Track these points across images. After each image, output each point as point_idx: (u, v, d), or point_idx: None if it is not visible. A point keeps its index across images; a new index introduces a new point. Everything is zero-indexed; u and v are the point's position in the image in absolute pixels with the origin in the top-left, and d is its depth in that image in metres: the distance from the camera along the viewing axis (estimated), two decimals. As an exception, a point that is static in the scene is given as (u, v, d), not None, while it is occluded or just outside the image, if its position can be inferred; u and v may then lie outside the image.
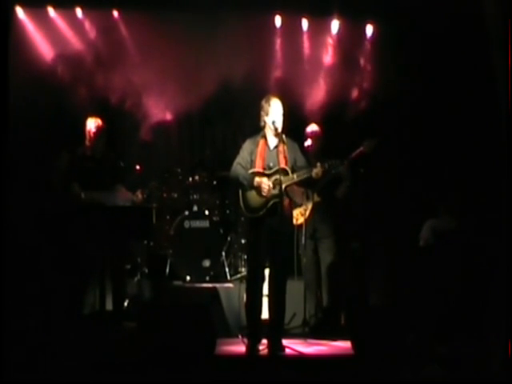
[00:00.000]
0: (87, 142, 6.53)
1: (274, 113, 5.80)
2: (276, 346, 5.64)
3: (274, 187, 5.71)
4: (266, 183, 5.71)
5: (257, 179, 5.74)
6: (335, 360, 5.53)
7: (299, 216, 6.63)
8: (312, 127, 6.86)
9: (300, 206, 6.65)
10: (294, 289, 6.44)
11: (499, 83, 5.77)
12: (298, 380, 4.96)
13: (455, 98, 6.89)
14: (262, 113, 5.86)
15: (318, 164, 5.73)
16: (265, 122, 5.85)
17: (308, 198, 6.68)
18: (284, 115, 5.83)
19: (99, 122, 6.55)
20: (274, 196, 5.68)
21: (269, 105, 5.83)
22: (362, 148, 6.56)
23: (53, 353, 5.11)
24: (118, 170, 6.61)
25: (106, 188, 6.34)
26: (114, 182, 6.45)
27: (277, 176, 5.68)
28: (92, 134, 6.50)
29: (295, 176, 5.72)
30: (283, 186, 5.65)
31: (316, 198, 6.70)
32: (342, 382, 4.93)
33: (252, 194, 5.78)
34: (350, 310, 6.63)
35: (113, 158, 6.63)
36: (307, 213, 6.65)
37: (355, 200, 7.09)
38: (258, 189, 5.73)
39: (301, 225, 6.60)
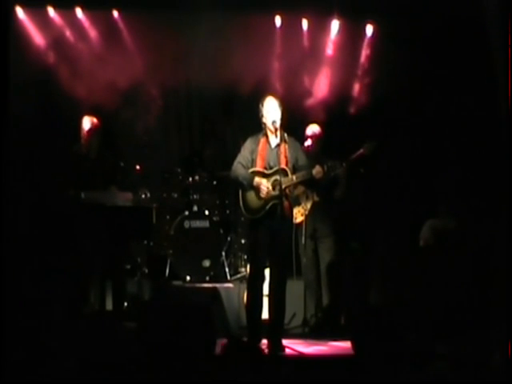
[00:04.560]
0: (82, 141, 6.52)
1: (269, 111, 5.80)
2: (276, 346, 5.64)
3: (273, 188, 5.71)
4: (264, 185, 5.71)
5: (256, 180, 5.74)
6: (335, 360, 5.53)
7: (298, 215, 6.64)
8: (312, 128, 6.86)
9: (299, 204, 6.66)
10: (294, 289, 6.45)
11: (499, 83, 5.77)
12: (298, 380, 4.96)
13: (455, 98, 6.89)
14: (260, 115, 5.86)
15: (317, 166, 5.73)
16: (264, 124, 5.85)
17: (307, 198, 6.69)
18: (282, 112, 5.81)
19: (94, 120, 6.54)
20: (274, 197, 5.68)
21: (262, 105, 5.84)
22: (361, 150, 6.57)
23: (53, 353, 5.10)
24: (113, 169, 6.59)
25: (100, 188, 6.31)
26: (109, 182, 6.42)
27: (276, 177, 5.67)
28: (86, 133, 6.49)
29: (294, 177, 5.71)
30: (282, 188, 5.64)
31: (315, 198, 6.70)
32: (341, 381, 4.92)
33: (251, 195, 5.78)
34: (349, 310, 6.63)
35: (108, 157, 6.62)
36: (307, 212, 6.65)
37: (355, 200, 7.09)
38: (257, 190, 5.72)
39: (300, 224, 6.61)
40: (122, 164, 6.83)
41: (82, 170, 6.38)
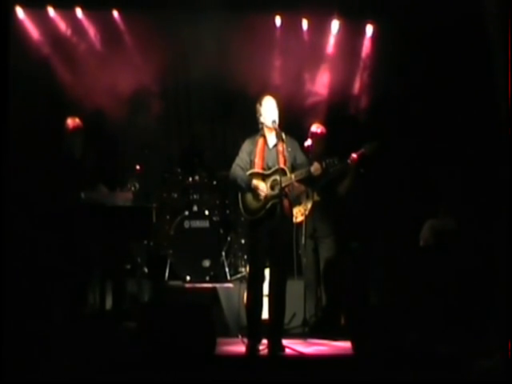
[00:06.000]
0: (66, 142, 6.50)
1: (266, 111, 5.80)
2: (276, 346, 5.64)
3: (272, 188, 5.70)
4: (262, 189, 5.70)
5: (254, 182, 5.73)
6: (335, 360, 5.53)
7: (298, 214, 6.64)
8: (314, 127, 6.86)
9: (300, 204, 6.66)
10: (294, 289, 6.45)
11: (499, 83, 5.77)
12: (298, 380, 4.96)
13: (455, 98, 6.89)
14: (258, 115, 5.86)
15: (315, 163, 5.72)
16: (262, 124, 5.85)
17: (308, 197, 6.69)
18: (280, 112, 5.80)
19: (76, 120, 6.50)
20: (273, 197, 5.68)
21: (260, 105, 5.83)
22: (362, 150, 6.56)
23: (53, 353, 5.10)
24: (99, 169, 6.57)
25: (87, 188, 6.28)
26: (96, 182, 6.40)
27: (275, 176, 5.67)
28: (69, 134, 6.46)
29: (293, 176, 5.71)
30: (282, 187, 5.63)
31: (316, 197, 6.70)
32: (342, 381, 4.92)
33: (250, 197, 5.77)
34: (349, 310, 6.63)
35: (93, 157, 6.60)
36: (307, 212, 6.65)
37: (355, 200, 7.09)
38: (255, 193, 5.72)
39: (300, 223, 6.60)
40: (110, 164, 6.81)
41: (68, 171, 6.34)
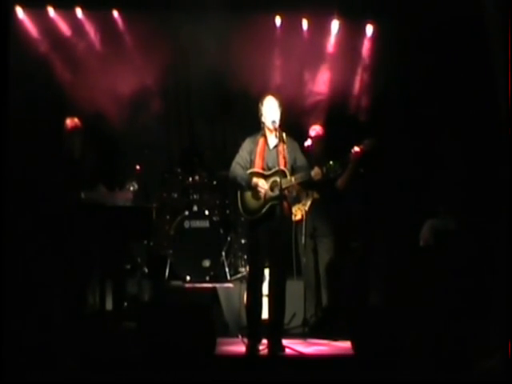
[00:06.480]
0: (65, 142, 6.49)
1: (267, 111, 5.79)
2: (276, 346, 5.64)
3: (272, 189, 5.70)
4: (262, 186, 5.69)
5: (254, 180, 5.73)
6: (335, 360, 5.53)
7: (298, 212, 6.64)
8: (314, 129, 6.86)
9: (299, 202, 6.65)
10: (294, 289, 6.45)
11: (499, 83, 5.77)
12: (298, 380, 4.96)
13: (455, 97, 6.89)
14: (259, 115, 5.85)
15: (316, 167, 5.71)
16: (263, 123, 5.85)
17: (307, 195, 6.69)
18: (281, 112, 5.78)
19: (75, 121, 6.49)
20: (272, 198, 5.67)
21: (262, 104, 5.83)
22: (361, 146, 6.56)
23: (53, 353, 5.10)
24: (99, 169, 6.57)
25: (87, 188, 6.28)
26: (95, 182, 6.39)
27: (275, 178, 5.66)
28: (68, 134, 6.46)
29: (293, 179, 5.69)
30: (281, 189, 5.62)
31: (315, 195, 6.69)
32: (342, 381, 4.92)
33: (249, 196, 5.77)
34: (349, 310, 6.63)
35: (92, 157, 6.60)
36: (306, 209, 6.64)
37: (355, 200, 7.09)
38: (255, 191, 5.72)
39: (300, 221, 6.60)
40: (110, 164, 6.81)
41: (67, 171, 6.33)
